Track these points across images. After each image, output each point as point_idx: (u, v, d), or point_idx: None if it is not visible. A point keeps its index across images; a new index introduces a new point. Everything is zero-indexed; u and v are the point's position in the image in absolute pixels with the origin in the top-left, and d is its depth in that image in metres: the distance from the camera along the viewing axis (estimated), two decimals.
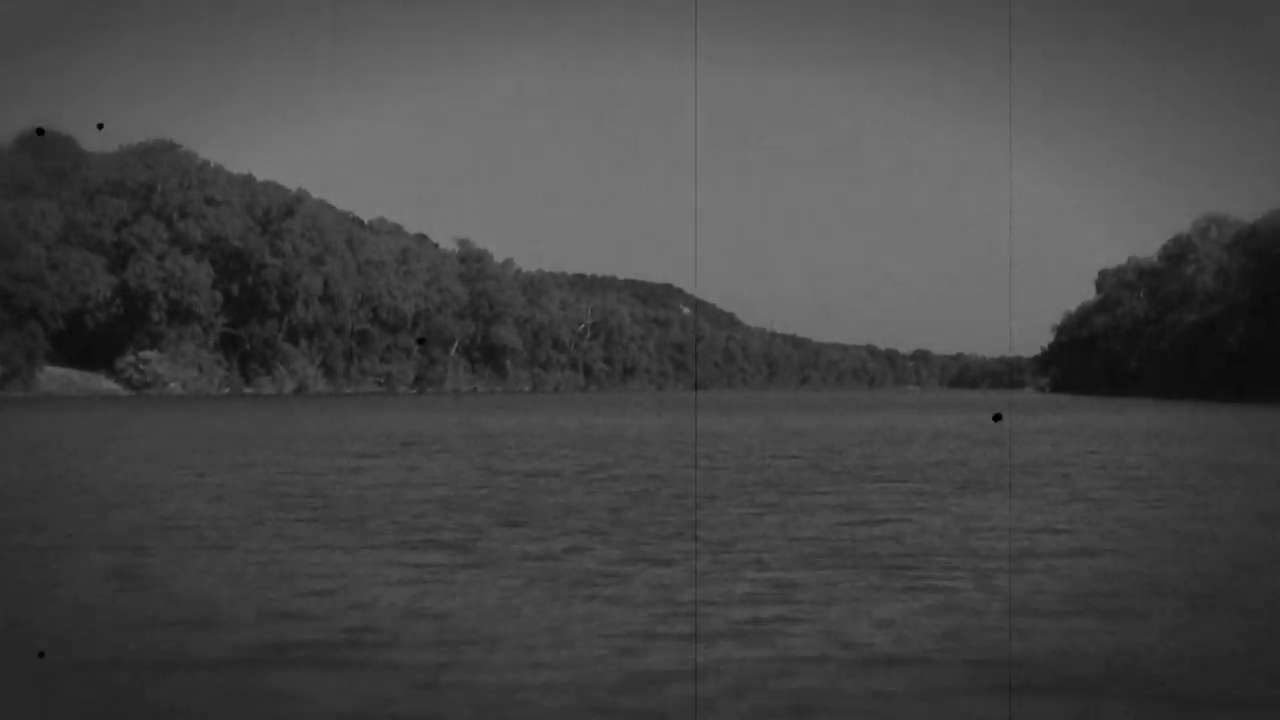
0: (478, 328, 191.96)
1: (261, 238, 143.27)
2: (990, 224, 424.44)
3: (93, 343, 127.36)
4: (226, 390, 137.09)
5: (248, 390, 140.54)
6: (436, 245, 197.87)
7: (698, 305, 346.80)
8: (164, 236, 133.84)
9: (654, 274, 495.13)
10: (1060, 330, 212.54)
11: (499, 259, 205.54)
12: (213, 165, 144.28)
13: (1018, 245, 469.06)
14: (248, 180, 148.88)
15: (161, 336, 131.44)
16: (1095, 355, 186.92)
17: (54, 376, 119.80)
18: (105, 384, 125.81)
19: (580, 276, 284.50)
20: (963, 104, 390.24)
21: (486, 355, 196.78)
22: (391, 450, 38.03)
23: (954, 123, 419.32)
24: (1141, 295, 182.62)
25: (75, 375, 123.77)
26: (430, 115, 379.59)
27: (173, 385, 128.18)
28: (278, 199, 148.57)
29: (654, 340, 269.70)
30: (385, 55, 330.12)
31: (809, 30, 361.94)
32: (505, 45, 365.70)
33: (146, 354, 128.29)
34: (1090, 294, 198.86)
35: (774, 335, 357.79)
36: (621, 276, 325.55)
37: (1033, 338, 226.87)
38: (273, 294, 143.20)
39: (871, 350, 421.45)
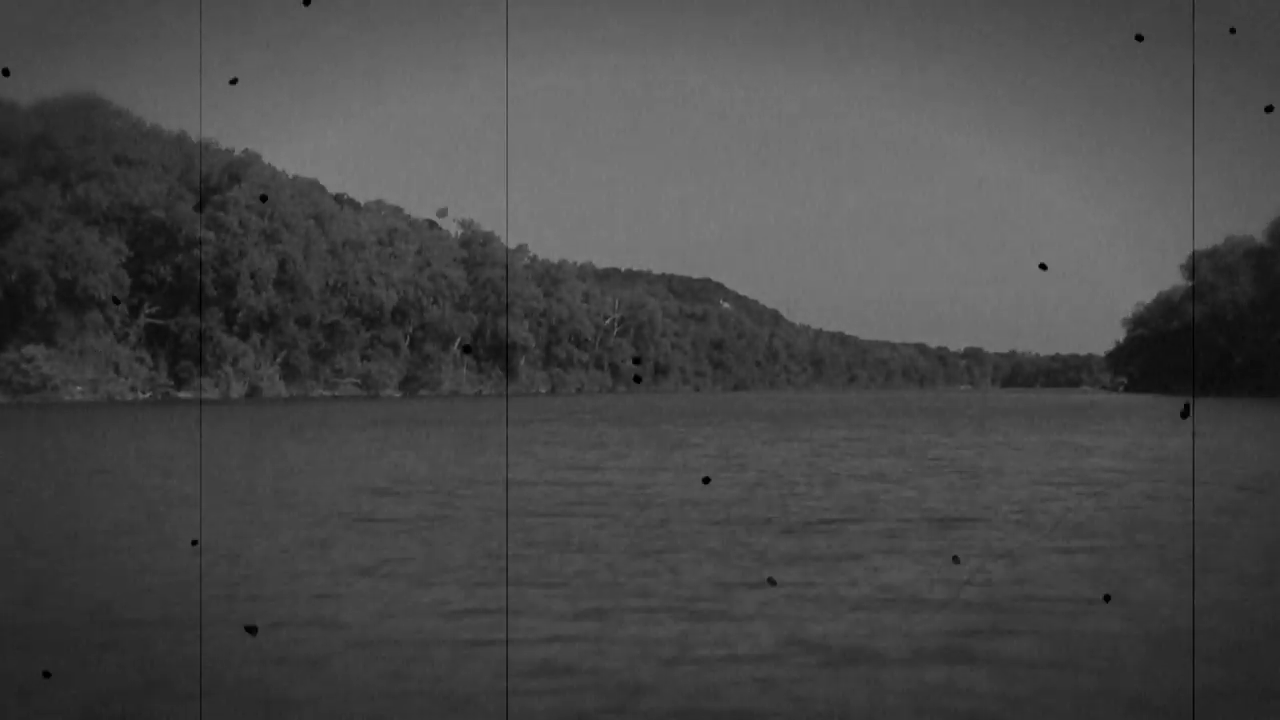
0: (482, 321, 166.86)
1: (196, 209, 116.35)
2: (1046, 215, 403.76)
3: None
4: (147, 395, 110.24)
5: (183, 395, 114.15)
6: (434, 226, 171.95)
7: (740, 302, 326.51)
8: (59, 204, 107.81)
9: (692, 268, 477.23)
10: (1136, 323, 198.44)
11: (511, 245, 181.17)
12: (149, 125, 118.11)
13: (1079, 235, 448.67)
14: (180, 139, 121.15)
15: (55, 328, 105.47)
16: (1189, 349, 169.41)
17: None
18: None
19: (613, 271, 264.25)
20: (1015, 90, 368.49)
21: (494, 353, 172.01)
22: None
23: (1007, 110, 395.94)
24: (1241, 280, 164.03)
25: None
26: (458, 104, 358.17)
27: (78, 390, 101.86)
28: (218, 163, 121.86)
29: (690, 337, 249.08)
30: (409, 39, 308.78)
31: (861, 28, 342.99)
32: (543, 32, 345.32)
33: (31, 350, 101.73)
34: (1168, 283, 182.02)
35: (819, 333, 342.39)
36: (657, 271, 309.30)
37: (1094, 334, 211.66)
38: (209, 277, 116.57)
39: (921, 349, 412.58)
